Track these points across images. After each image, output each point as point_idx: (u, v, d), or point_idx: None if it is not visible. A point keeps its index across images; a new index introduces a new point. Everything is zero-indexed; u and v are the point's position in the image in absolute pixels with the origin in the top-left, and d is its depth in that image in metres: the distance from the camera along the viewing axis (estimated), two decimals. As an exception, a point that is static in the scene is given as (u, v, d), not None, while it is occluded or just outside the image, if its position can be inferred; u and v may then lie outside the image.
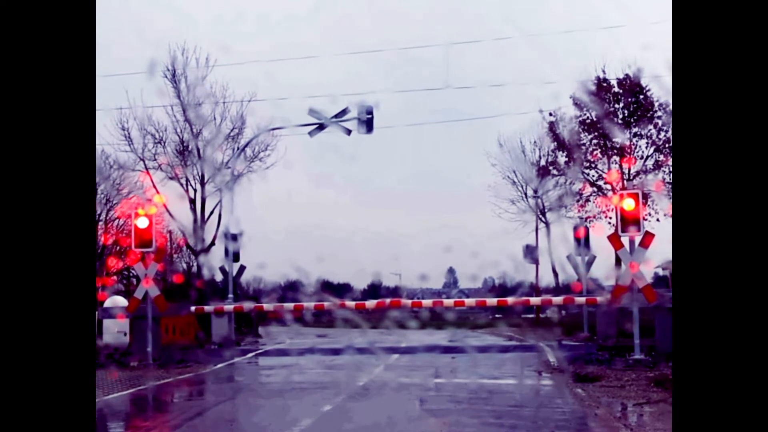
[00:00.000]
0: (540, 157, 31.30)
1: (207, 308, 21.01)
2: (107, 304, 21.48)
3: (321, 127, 25.02)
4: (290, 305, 19.53)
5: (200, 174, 28.23)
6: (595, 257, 23.42)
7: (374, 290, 30.17)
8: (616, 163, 28.02)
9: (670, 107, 25.54)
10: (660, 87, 26.72)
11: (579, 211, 28.73)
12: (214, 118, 28.23)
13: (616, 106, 27.88)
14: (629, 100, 27.46)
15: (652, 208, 26.12)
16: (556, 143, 29.76)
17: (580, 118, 28.50)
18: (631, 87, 27.30)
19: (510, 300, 20.21)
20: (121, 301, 21.61)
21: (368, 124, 24.40)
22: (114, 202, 28.89)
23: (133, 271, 21.43)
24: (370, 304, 19.20)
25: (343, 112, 24.73)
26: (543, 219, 31.93)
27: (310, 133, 25.16)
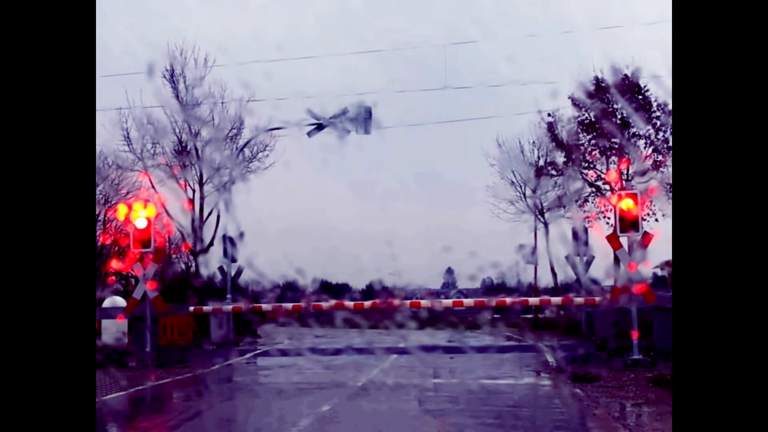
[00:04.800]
0: (539, 158, 31.37)
1: (205, 308, 21.00)
2: (106, 304, 21.47)
3: (320, 127, 25.03)
4: (289, 305, 19.51)
5: (199, 174, 28.26)
6: (593, 257, 23.44)
7: (373, 290, 30.11)
8: (614, 163, 28.03)
9: (669, 107, 25.59)
10: (659, 87, 26.75)
11: (578, 211, 28.75)
12: (213, 119, 28.27)
13: (615, 106, 27.89)
14: (628, 100, 27.45)
15: (650, 209, 26.13)
16: (554, 143, 29.78)
17: (579, 119, 28.52)
18: (630, 87, 27.30)
19: (509, 300, 20.17)
20: (119, 301, 21.61)
21: (367, 125, 24.42)
22: (113, 202, 28.87)
23: (131, 272, 21.40)
24: (369, 304, 19.19)
25: (342, 112, 24.74)
26: (542, 219, 31.96)
27: (309, 134, 25.17)
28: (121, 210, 18.05)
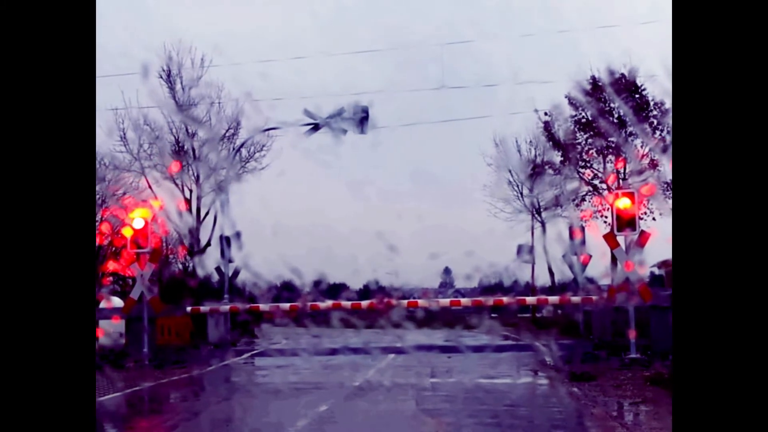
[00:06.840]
0: (535, 157, 31.39)
1: (203, 309, 20.97)
2: (103, 304, 21.41)
3: (316, 127, 25.04)
4: (286, 305, 19.50)
5: (195, 175, 28.24)
6: (590, 256, 23.43)
7: (370, 290, 30.10)
8: (611, 162, 28.07)
9: (666, 106, 25.63)
10: (655, 86, 26.79)
11: (574, 210, 28.78)
12: (209, 119, 28.23)
13: (612, 105, 27.92)
14: (624, 99, 27.48)
15: (647, 208, 26.14)
16: (551, 143, 29.80)
17: (576, 118, 28.54)
18: (627, 86, 27.34)
19: (506, 300, 20.19)
20: (116, 301, 21.56)
21: (363, 124, 24.44)
22: (109, 203, 28.79)
23: (128, 272, 21.37)
24: (366, 304, 19.19)
25: (339, 112, 24.74)
26: (539, 218, 31.98)
27: (306, 134, 25.19)
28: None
